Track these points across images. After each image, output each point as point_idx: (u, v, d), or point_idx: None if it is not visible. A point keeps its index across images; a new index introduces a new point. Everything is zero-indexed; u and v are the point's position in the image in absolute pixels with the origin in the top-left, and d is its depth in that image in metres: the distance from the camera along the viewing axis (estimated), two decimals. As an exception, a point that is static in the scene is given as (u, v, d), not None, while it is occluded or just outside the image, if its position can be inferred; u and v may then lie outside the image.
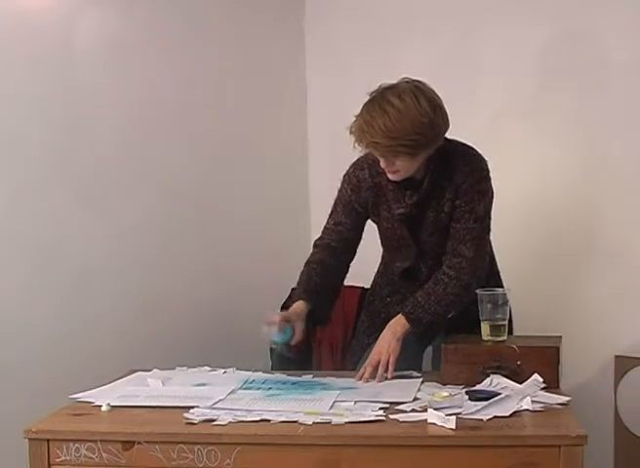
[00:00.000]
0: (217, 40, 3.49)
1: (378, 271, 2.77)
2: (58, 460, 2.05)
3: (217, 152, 3.50)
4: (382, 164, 2.41)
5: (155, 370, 2.57)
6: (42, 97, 2.90)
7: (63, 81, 2.97)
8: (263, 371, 2.57)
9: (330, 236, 2.63)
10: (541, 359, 2.27)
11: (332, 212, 2.64)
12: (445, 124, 2.40)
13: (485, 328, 2.39)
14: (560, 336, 2.43)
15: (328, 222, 2.64)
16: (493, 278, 2.62)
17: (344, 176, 2.61)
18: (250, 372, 2.54)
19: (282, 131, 3.75)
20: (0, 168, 2.81)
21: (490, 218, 2.54)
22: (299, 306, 2.52)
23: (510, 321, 2.54)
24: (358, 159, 2.58)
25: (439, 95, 2.41)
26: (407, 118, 2.30)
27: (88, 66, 3.04)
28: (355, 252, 2.65)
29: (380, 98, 2.34)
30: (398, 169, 2.41)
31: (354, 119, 2.36)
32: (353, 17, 3.67)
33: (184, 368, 2.61)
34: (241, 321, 3.49)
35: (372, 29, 3.59)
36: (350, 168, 2.60)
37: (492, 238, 2.64)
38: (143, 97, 3.21)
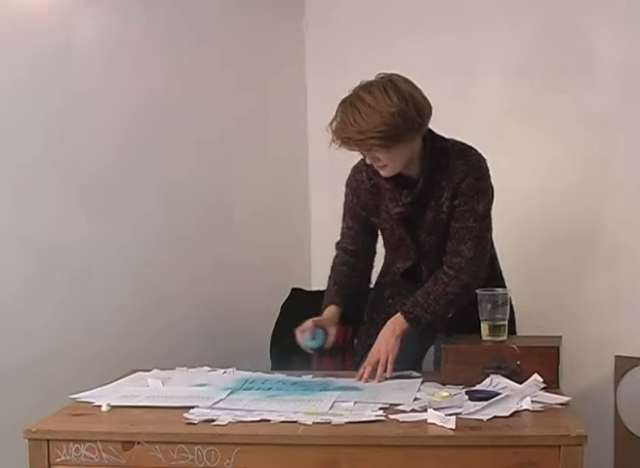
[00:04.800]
0: (216, 40, 3.49)
1: (380, 272, 2.78)
2: (58, 460, 2.05)
3: (217, 152, 3.50)
4: (367, 160, 2.44)
5: (155, 370, 2.57)
6: (41, 97, 2.90)
7: (63, 81, 2.97)
8: (263, 371, 2.57)
9: (345, 240, 2.69)
10: (541, 359, 2.27)
11: (343, 216, 2.69)
12: (420, 114, 2.38)
13: (485, 328, 2.39)
14: (560, 336, 2.43)
15: (342, 226, 2.70)
16: (495, 279, 2.60)
17: (346, 182, 2.65)
18: (250, 372, 2.54)
19: (282, 131, 3.76)
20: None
21: (490, 217, 2.53)
22: (330, 311, 2.57)
23: (513, 321, 2.55)
24: (357, 163, 2.61)
25: (419, 87, 2.41)
26: (376, 112, 2.31)
27: (88, 66, 3.04)
28: (373, 251, 2.70)
29: (353, 96, 2.37)
30: (385, 163, 2.42)
31: (331, 119, 2.38)
32: (353, 17, 3.67)
33: (184, 368, 2.61)
34: (241, 321, 3.49)
35: (371, 29, 3.60)
36: (351, 172, 2.64)
37: (493, 238, 2.64)
38: (143, 98, 3.21)
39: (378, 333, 2.53)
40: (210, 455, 2.00)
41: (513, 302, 2.49)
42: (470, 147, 2.52)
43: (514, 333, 2.55)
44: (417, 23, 3.51)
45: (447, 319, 2.51)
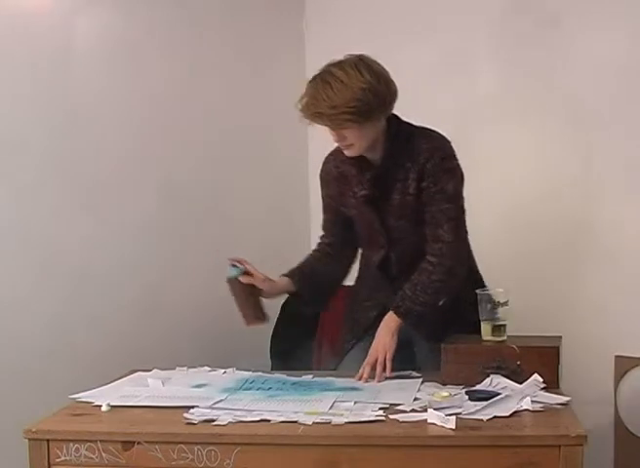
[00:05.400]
0: (216, 41, 3.49)
1: (358, 275, 2.78)
2: (58, 460, 2.05)
3: (217, 153, 3.50)
4: (334, 139, 2.46)
5: (155, 370, 2.57)
6: (42, 97, 2.90)
7: (64, 81, 2.97)
8: (263, 371, 2.57)
9: (323, 232, 2.74)
10: (541, 359, 2.27)
11: (322, 209, 2.73)
12: (389, 92, 2.43)
13: (485, 328, 2.39)
14: (560, 336, 2.43)
15: (322, 219, 2.74)
16: (471, 279, 2.59)
17: (319, 175, 2.69)
18: (250, 372, 2.54)
19: (282, 131, 3.75)
20: (0, 169, 2.82)
21: (463, 199, 2.52)
22: (280, 278, 2.61)
23: None
24: (327, 155, 2.66)
25: (386, 69, 2.45)
26: (348, 87, 2.35)
27: (88, 67, 3.04)
28: (351, 245, 2.70)
29: (324, 73, 2.41)
30: (351, 142, 2.44)
31: (300, 97, 2.41)
32: (353, 17, 3.67)
33: (184, 368, 2.61)
34: (241, 321, 3.49)
35: (371, 29, 3.59)
36: (321, 166, 2.68)
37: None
38: (143, 98, 3.21)
39: (353, 339, 2.60)
40: (210, 455, 2.00)
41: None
42: (434, 130, 2.54)
43: None
44: (417, 24, 3.51)
45: (438, 307, 2.48)
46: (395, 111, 2.51)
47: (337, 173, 2.61)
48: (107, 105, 3.09)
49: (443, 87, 3.40)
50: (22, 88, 2.85)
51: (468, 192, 2.52)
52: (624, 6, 3.18)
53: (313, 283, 2.63)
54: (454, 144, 2.53)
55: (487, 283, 2.62)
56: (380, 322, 2.51)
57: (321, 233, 2.75)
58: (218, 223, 3.50)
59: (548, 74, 3.32)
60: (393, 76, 2.46)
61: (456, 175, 2.50)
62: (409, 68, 3.45)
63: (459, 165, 2.51)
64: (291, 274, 2.63)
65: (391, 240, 2.57)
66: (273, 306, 3.39)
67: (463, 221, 2.53)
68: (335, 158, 2.62)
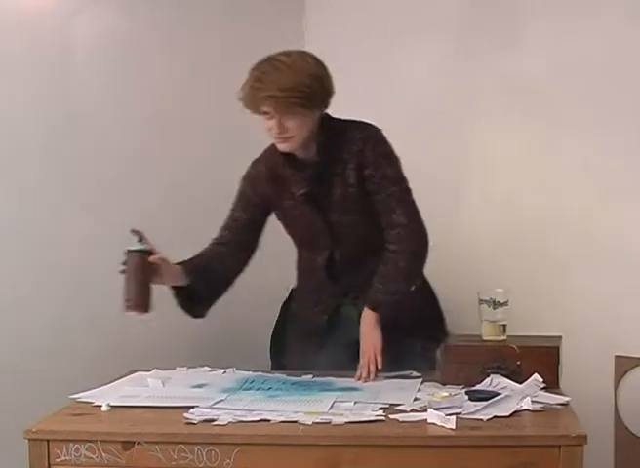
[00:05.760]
0: (216, 41, 3.49)
1: (297, 284, 2.77)
2: (58, 460, 2.05)
3: (217, 152, 3.50)
4: (275, 129, 2.41)
5: (155, 370, 2.57)
6: (43, 98, 2.91)
7: (64, 82, 2.97)
8: (263, 371, 2.57)
9: (222, 232, 2.65)
10: (541, 359, 2.27)
11: (230, 211, 2.66)
12: (330, 84, 2.46)
13: (485, 328, 2.39)
14: (560, 336, 2.43)
15: (225, 220, 2.66)
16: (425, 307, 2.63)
17: (243, 177, 2.65)
18: (250, 372, 2.54)
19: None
20: (1, 169, 2.82)
21: (406, 181, 2.51)
22: (173, 265, 2.47)
23: (442, 319, 2.57)
24: (255, 159, 2.64)
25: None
26: (297, 72, 2.38)
27: (88, 67, 3.04)
28: (248, 251, 2.66)
29: (270, 59, 2.43)
30: (292, 134, 2.42)
31: (243, 84, 2.41)
32: (353, 17, 3.66)
33: (184, 368, 2.62)
34: (241, 321, 3.49)
35: (371, 29, 3.59)
36: (249, 167, 2.66)
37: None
38: (144, 98, 3.21)
39: (302, 344, 2.62)
40: (210, 455, 2.00)
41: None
42: (365, 121, 2.54)
43: (446, 333, 2.58)
44: (418, 25, 3.51)
45: (414, 290, 2.49)
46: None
47: (269, 174, 2.58)
48: (108, 105, 3.10)
49: (442, 86, 3.40)
50: (23, 88, 2.85)
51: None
52: (623, 7, 3.18)
53: (207, 279, 2.53)
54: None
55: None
56: (331, 325, 2.58)
57: (220, 232, 2.65)
58: (218, 223, 3.50)
59: (549, 75, 3.32)
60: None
61: (393, 159, 2.51)
62: (410, 68, 3.45)
63: (393, 149, 2.51)
64: (183, 264, 2.50)
65: (334, 237, 2.56)
66: (273, 307, 3.39)
67: (414, 202, 2.51)
68: (267, 160, 2.59)
